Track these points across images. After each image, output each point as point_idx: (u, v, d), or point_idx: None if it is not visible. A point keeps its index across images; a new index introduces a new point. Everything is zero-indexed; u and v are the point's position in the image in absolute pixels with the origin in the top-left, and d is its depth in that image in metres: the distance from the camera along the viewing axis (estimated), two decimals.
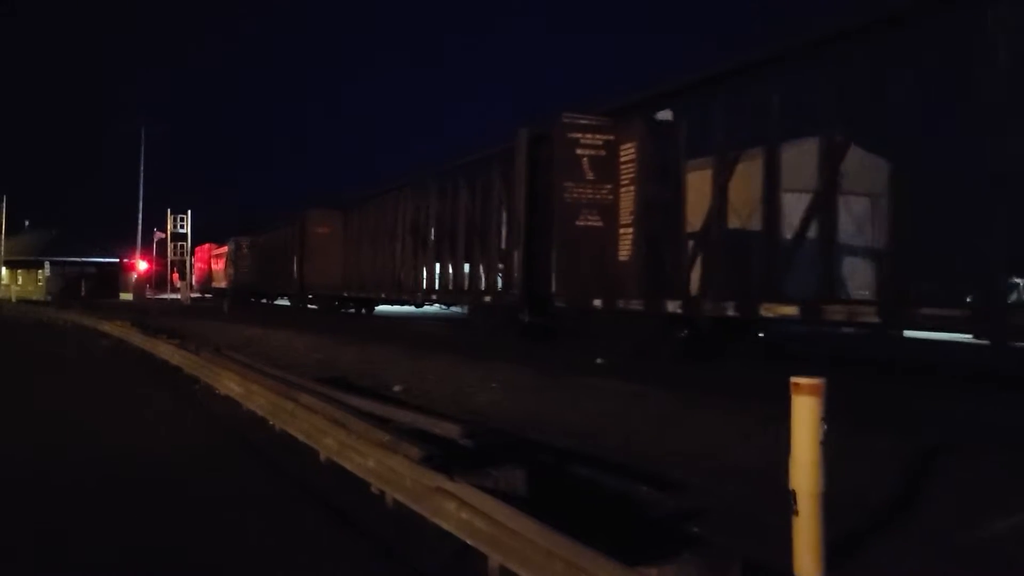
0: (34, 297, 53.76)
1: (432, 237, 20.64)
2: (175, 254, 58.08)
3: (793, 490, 4.24)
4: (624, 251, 13.03)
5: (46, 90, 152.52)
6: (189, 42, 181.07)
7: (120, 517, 5.86)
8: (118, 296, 54.80)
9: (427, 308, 24.39)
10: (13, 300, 49.53)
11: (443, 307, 22.85)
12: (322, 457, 7.03)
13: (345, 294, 27.37)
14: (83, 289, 57.30)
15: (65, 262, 59.81)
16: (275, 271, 35.57)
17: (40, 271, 59.94)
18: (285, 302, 37.23)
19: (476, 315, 18.28)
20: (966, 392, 9.08)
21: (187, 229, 57.94)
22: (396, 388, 10.92)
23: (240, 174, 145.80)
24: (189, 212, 57.93)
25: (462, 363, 11.51)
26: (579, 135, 13.41)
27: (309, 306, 31.37)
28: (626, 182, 13.03)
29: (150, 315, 27.73)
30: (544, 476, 5.69)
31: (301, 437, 7.62)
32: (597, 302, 13.02)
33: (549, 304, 14.00)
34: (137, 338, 18.70)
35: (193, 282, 55.97)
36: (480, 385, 10.15)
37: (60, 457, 7.84)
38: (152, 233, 56.77)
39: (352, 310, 28.39)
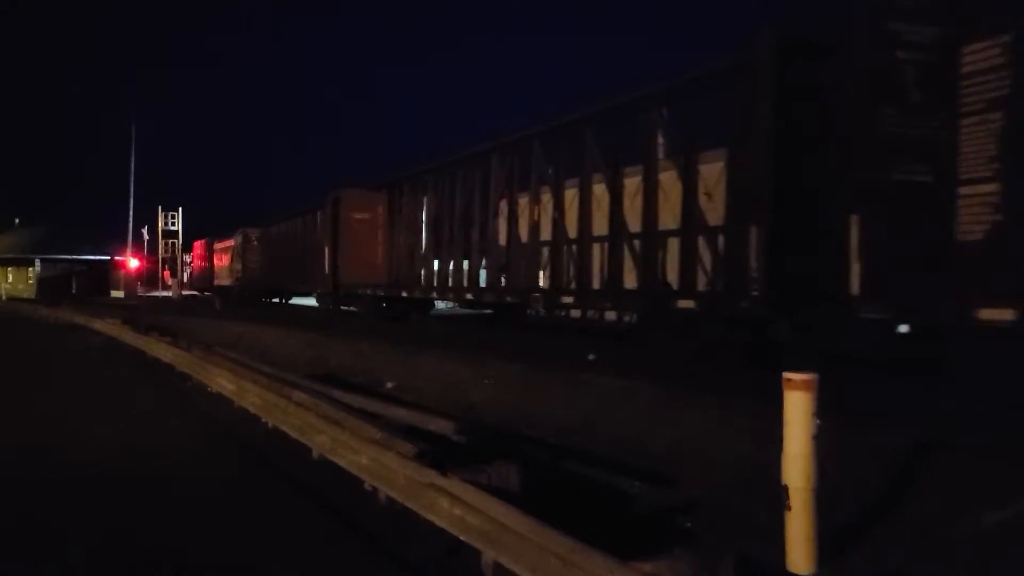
0: (24, 295, 53.53)
1: (538, 216, 15.10)
2: (166, 251, 57.98)
3: (786, 485, 4.26)
4: (972, 223, 7.56)
5: (39, 87, 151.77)
6: (185, 39, 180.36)
7: (114, 515, 5.85)
8: (109, 294, 54.60)
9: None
10: (3, 298, 49.32)
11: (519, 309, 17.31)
12: (315, 454, 7.02)
13: (404, 294, 20.99)
14: (74, 287, 57.13)
15: (56, 259, 59.56)
16: (294, 266, 30.78)
17: (30, 269, 59.69)
18: (307, 301, 32.52)
19: (654, 327, 11.88)
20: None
21: (178, 226, 57.84)
22: (388, 385, 10.91)
23: (236, 173, 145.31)
24: (180, 209, 57.88)
25: (454, 359, 11.49)
26: (901, 26, 8.11)
27: (344, 308, 25.24)
28: (979, 107, 7.54)
29: (141, 313, 27.62)
30: (537, 472, 5.68)
31: (294, 434, 7.61)
32: (993, 313, 7.27)
33: (836, 313, 8.73)
34: (128, 336, 18.62)
35: (186, 279, 55.76)
36: (473, 381, 10.14)
37: (53, 456, 7.81)
38: (143, 231, 56.66)
39: (395, 313, 22.45)
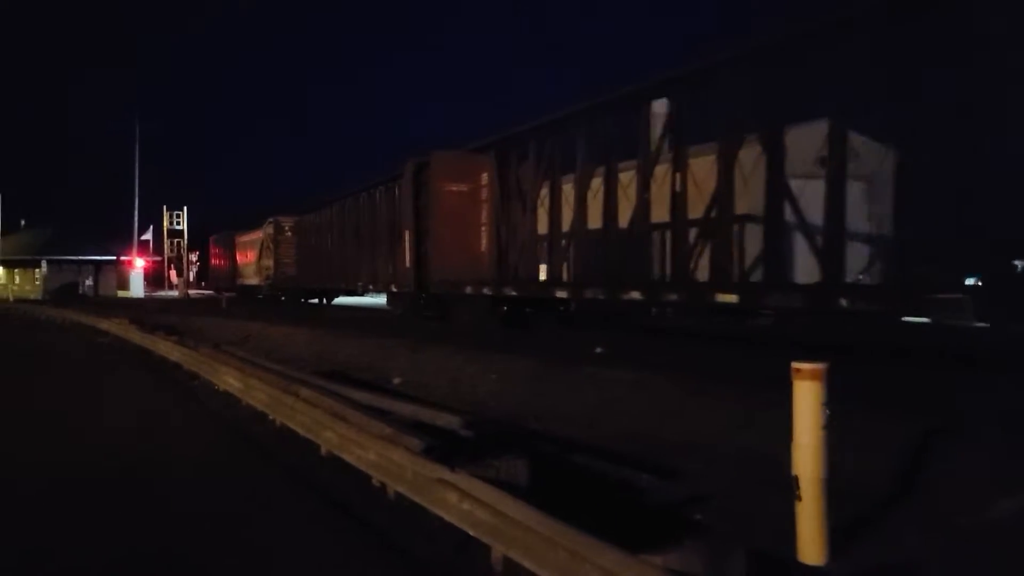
0: (32, 296, 53.67)
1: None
2: (172, 251, 58.18)
3: (796, 476, 4.23)
4: None
5: (41, 88, 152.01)
6: (186, 36, 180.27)
7: (122, 513, 5.85)
8: (115, 294, 54.75)
9: None
10: (11, 300, 49.46)
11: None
12: (323, 451, 7.02)
13: (562, 293, 14.51)
14: (80, 287, 57.33)
15: (62, 260, 59.69)
16: (345, 260, 25.22)
17: (37, 270, 59.80)
18: (358, 300, 27.91)
19: None
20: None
21: (183, 225, 58.04)
22: (396, 381, 10.91)
23: (241, 171, 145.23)
24: (185, 208, 58.17)
25: (460, 354, 11.49)
26: None
27: (426, 313, 18.99)
28: None
29: (148, 312, 27.66)
30: (545, 465, 5.67)
31: (301, 431, 7.61)
32: None
33: None
34: (135, 335, 18.67)
35: (192, 277, 55.94)
36: (479, 376, 10.13)
37: (59, 458, 7.81)
38: (147, 230, 56.86)
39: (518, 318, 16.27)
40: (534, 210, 15.68)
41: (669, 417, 7.29)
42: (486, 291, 16.21)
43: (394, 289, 21.42)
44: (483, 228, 17.15)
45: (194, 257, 60.87)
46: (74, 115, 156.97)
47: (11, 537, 5.34)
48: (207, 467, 7.36)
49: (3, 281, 59.39)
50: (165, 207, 57.83)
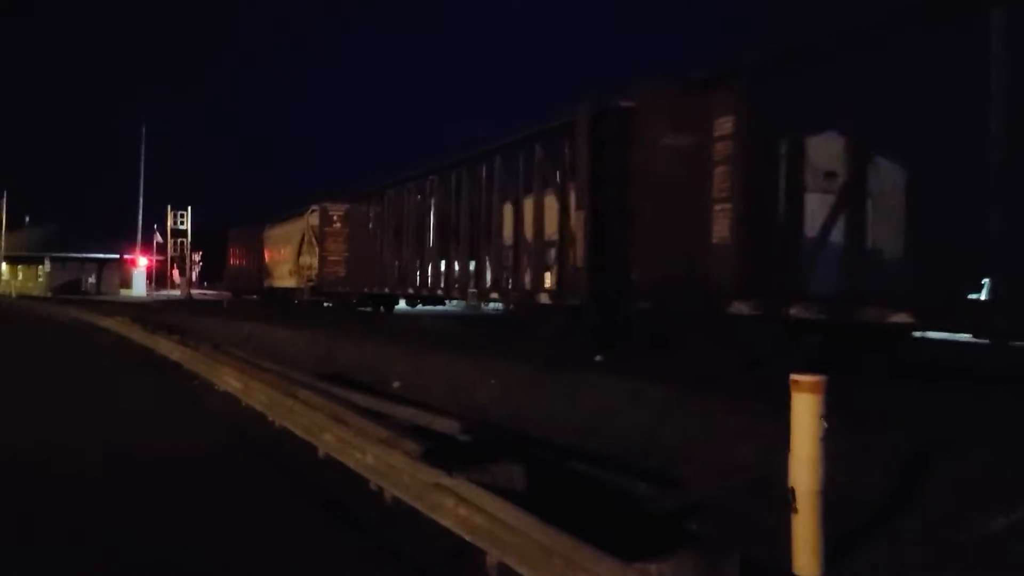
0: (34, 293, 53.80)
1: None
2: (175, 250, 58.28)
3: (792, 487, 4.24)
4: None
5: (47, 85, 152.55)
6: (190, 36, 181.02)
7: (119, 512, 5.85)
8: (118, 292, 54.85)
9: None
10: (13, 296, 49.59)
11: None
12: (321, 453, 7.03)
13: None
14: (83, 285, 57.52)
15: (65, 258, 59.88)
16: (427, 257, 19.56)
17: (40, 267, 60.00)
18: (422, 309, 21.92)
19: None
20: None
21: (187, 225, 58.13)
22: (395, 384, 10.91)
23: (244, 170, 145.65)
24: (189, 208, 58.16)
25: (461, 360, 11.48)
26: None
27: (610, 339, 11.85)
28: None
29: (150, 311, 27.68)
30: (543, 472, 5.67)
31: (300, 433, 7.62)
32: None
33: None
34: (137, 334, 18.69)
35: (193, 277, 56.01)
36: (479, 381, 10.13)
37: (58, 456, 7.81)
38: (153, 230, 56.99)
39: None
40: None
41: (665, 426, 7.27)
42: (794, 312, 8.91)
43: (544, 300, 14.18)
44: (719, 206, 10.22)
45: (197, 257, 61.03)
46: (82, 111, 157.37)
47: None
48: (205, 466, 7.35)
49: (6, 278, 59.60)
50: (169, 207, 57.94)
